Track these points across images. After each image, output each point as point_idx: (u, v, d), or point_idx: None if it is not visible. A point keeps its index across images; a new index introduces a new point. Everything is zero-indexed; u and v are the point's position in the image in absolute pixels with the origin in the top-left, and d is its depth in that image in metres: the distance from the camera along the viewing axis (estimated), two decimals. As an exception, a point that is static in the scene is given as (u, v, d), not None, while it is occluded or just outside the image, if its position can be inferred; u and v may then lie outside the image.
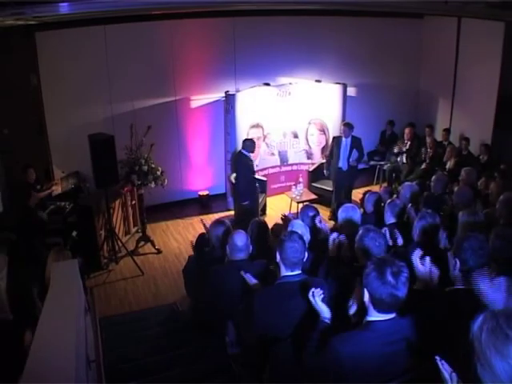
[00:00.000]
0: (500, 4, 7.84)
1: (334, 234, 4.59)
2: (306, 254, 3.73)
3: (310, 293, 3.30)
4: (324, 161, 10.53)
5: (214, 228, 5.15)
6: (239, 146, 9.92)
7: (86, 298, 5.17)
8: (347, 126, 9.53)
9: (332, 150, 9.90)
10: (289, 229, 4.59)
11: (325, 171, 10.23)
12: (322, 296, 3.28)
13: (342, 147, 9.48)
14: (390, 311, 2.84)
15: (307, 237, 4.61)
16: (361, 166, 11.44)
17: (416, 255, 3.51)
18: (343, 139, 9.48)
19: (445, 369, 2.29)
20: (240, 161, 9.17)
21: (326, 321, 3.25)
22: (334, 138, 10.07)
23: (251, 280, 4.18)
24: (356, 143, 9.49)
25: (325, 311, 3.26)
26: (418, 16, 12.01)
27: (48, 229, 8.03)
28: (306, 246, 3.84)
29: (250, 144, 9.14)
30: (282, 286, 3.65)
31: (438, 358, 2.31)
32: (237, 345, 4.27)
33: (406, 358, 2.84)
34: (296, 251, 3.61)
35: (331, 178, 10.07)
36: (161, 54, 9.67)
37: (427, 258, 3.45)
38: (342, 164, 9.56)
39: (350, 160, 9.46)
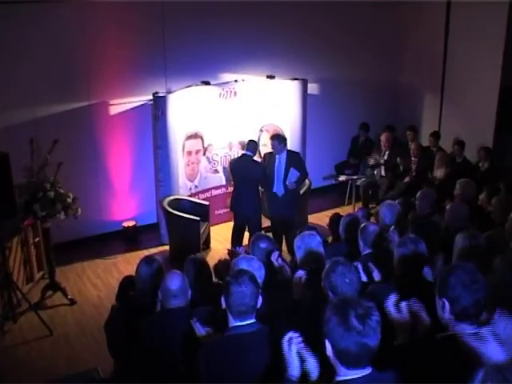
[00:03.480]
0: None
1: (300, 272, 4.60)
2: (261, 299, 3.75)
3: (286, 339, 3.29)
4: None
5: (140, 268, 5.14)
6: (174, 163, 9.94)
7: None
8: (276, 138, 9.29)
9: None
10: (234, 268, 4.62)
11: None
12: (301, 346, 3.26)
13: (276, 167, 9.20)
14: (363, 365, 2.82)
15: (259, 276, 4.62)
16: (328, 183, 11.59)
17: (390, 302, 3.54)
18: (276, 156, 9.22)
19: None
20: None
21: (293, 379, 3.23)
22: (264, 154, 9.75)
23: (200, 330, 4.18)
24: (293, 160, 9.22)
25: (295, 367, 3.23)
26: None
27: None
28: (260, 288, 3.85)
29: (253, 145, 9.30)
30: (231, 339, 3.66)
31: None
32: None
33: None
34: (244, 297, 3.63)
35: (265, 210, 9.77)
36: (69, 45, 9.53)
37: (403, 304, 3.48)
38: (277, 188, 9.24)
39: (287, 182, 9.12)
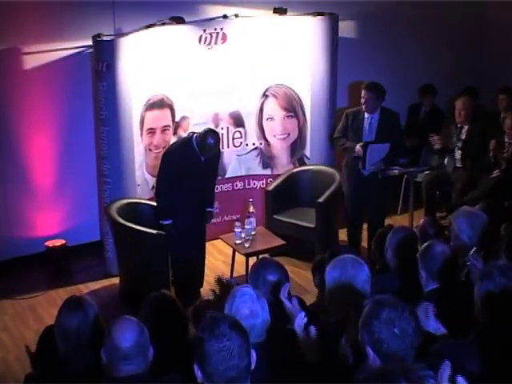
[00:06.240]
0: None
1: (301, 315, 4.65)
2: (254, 356, 3.68)
3: None
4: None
5: (65, 317, 5.10)
6: (127, 147, 9.90)
7: None
8: (370, 89, 9.67)
9: (343, 135, 10.04)
10: (226, 309, 4.59)
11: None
12: None
13: (365, 131, 9.67)
14: None
15: (262, 319, 4.63)
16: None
17: None
18: (365, 116, 9.68)
19: None
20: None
21: None
22: (346, 113, 10.19)
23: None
24: (389, 123, 9.67)
25: None
26: None
27: None
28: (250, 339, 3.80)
29: (206, 135, 9.17)
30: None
31: None
32: None
33: None
34: (231, 356, 3.56)
35: (344, 191, 10.25)
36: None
37: None
38: (366, 164, 9.71)
39: (370, 165, 9.57)
